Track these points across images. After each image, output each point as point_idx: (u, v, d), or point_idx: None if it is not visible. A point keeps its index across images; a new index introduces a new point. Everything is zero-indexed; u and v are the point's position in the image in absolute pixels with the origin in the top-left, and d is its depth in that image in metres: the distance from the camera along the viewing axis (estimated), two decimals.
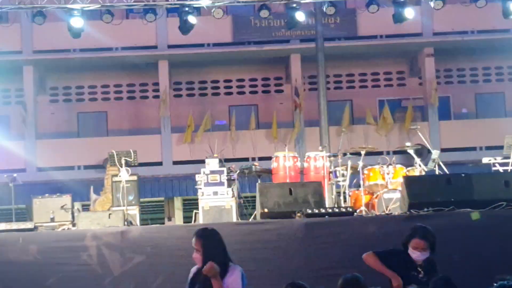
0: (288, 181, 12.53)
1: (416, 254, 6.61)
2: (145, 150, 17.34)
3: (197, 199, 12.50)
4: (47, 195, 12.11)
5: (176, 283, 8.67)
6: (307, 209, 10.43)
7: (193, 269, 6.08)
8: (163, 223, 19.80)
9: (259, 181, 12.38)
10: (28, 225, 10.11)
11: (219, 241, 5.99)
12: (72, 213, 11.67)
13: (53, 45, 20.43)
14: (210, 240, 5.95)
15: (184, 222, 19.37)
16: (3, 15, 14.07)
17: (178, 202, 21.13)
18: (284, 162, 12.95)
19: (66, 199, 11.86)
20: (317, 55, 18.71)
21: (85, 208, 16.51)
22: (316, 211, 10.48)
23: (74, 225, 11.31)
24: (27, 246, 9.19)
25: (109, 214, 11.06)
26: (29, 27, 19.92)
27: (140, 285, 9.70)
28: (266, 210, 10.62)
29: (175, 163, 21.24)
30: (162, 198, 21.16)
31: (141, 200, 13.06)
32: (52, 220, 11.51)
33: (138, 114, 22.22)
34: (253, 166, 13.41)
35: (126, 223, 10.92)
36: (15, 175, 12.57)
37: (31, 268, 9.33)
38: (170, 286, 9.22)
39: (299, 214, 10.49)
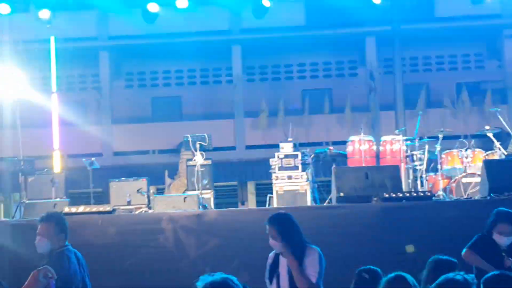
0: (363, 165, 12.36)
1: (502, 239, 6.47)
2: (218, 134, 17.38)
3: (270, 184, 12.46)
4: (123, 178, 12.30)
5: (251, 267, 8.63)
6: (384, 193, 10.23)
7: (271, 255, 6.05)
8: (237, 208, 19.86)
9: (334, 165, 12.23)
10: (107, 207, 10.25)
11: (293, 224, 5.94)
12: (148, 197, 11.82)
13: (128, 30, 20.65)
14: (284, 224, 5.90)
15: (257, 207, 19.37)
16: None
17: (251, 187, 21.15)
18: (360, 146, 12.78)
19: (142, 182, 12.02)
20: (393, 38, 18.37)
21: (160, 191, 16.68)
22: (393, 195, 10.26)
23: (150, 208, 11.44)
24: (106, 228, 9.31)
25: (184, 197, 11.12)
26: (104, 13, 20.21)
27: (216, 268, 9.63)
28: (342, 194, 10.47)
29: (248, 147, 21.25)
30: (235, 183, 21.20)
31: (215, 184, 13.10)
32: (129, 203, 11.69)
33: (211, 99, 22.29)
34: (328, 150, 13.28)
35: (201, 207, 10.97)
36: (93, 159, 12.77)
37: (110, 250, 9.45)
38: (245, 270, 9.18)
39: (375, 199, 10.31)
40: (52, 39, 16.22)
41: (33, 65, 19.46)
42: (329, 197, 11.81)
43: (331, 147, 14.06)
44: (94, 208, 10.28)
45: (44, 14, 14.72)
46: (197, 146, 12.36)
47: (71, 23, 18.64)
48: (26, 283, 3.68)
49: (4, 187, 17.64)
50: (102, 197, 14.19)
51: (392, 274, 4.14)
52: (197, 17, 19.60)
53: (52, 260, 6.17)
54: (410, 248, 9.55)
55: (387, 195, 10.20)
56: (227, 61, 21.88)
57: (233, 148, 21.19)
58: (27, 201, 12.20)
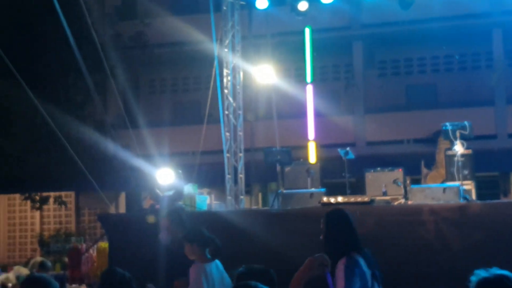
0: None
1: None
2: (477, 122, 16.44)
3: None
4: (379, 169, 12.04)
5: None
6: None
7: None
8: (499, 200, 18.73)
9: None
10: (365, 198, 10.04)
11: None
12: (405, 187, 11.45)
13: (382, 18, 20.29)
14: None
15: None
16: None
17: None
18: None
19: (398, 173, 11.70)
20: None
21: (416, 182, 16.18)
22: None
23: (406, 199, 11.06)
24: (364, 219, 9.08)
25: (444, 189, 10.62)
26: (358, 2, 20.05)
27: (479, 263, 9.07)
28: None
29: (511, 136, 19.96)
30: (496, 173, 20.02)
31: (476, 175, 12.35)
32: (384, 194, 11.41)
33: (469, 85, 21.23)
34: None
35: (462, 198, 10.38)
36: (348, 149, 12.64)
37: (368, 241, 9.20)
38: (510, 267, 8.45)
39: None
40: (307, 30, 16.38)
41: (288, 57, 19.89)
42: None
43: None
44: (352, 199, 10.11)
45: (303, 6, 14.95)
46: (457, 134, 11.73)
47: (325, 13, 18.71)
48: (301, 268, 3.57)
49: (261, 177, 18.21)
50: (356, 188, 14.04)
51: None
52: (454, 1, 18.76)
53: (174, 249, 6.96)
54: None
55: None
56: (487, 45, 20.68)
57: (494, 136, 19.99)
58: (284, 191, 12.40)
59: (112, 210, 21.65)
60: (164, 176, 10.96)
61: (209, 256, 6.74)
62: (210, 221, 10.48)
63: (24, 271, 14.75)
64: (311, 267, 3.56)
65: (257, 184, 20.91)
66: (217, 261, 6.91)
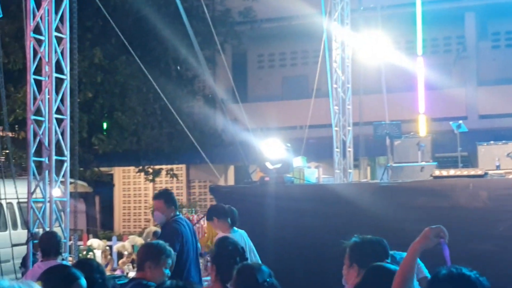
0: None
1: None
2: None
3: None
4: (491, 142, 11.76)
5: None
6: None
7: None
8: None
9: None
10: (479, 171, 9.82)
11: None
12: None
13: None
14: None
15: None
16: None
17: None
18: None
19: (511, 146, 11.40)
20: None
21: None
22: None
23: None
24: (477, 192, 8.92)
25: None
26: None
27: None
28: None
29: None
30: None
31: None
32: (498, 167, 11.14)
33: None
34: None
35: None
36: (460, 122, 12.39)
37: (480, 214, 9.05)
38: None
39: None
40: (418, 2, 16.07)
41: (397, 30, 19.57)
42: None
43: None
44: (465, 172, 9.92)
45: None
46: None
47: None
48: (418, 238, 3.55)
49: (369, 151, 18.08)
50: (468, 161, 13.75)
51: None
52: None
53: (166, 228, 7.50)
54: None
55: None
56: None
57: None
58: (393, 164, 12.30)
59: (221, 182, 22.09)
60: (273, 149, 11.09)
61: (230, 223, 7.95)
62: (319, 193, 10.58)
63: (139, 240, 15.33)
64: (428, 238, 3.54)
65: (365, 158, 20.78)
66: (242, 232, 8.19)
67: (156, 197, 7.95)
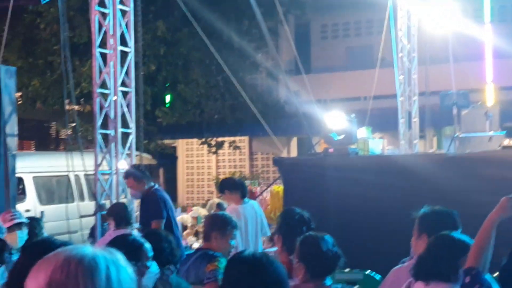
0: None
1: None
2: None
3: None
4: None
5: None
6: None
7: None
8: None
9: None
10: None
11: None
12: None
13: None
14: None
15: None
16: None
17: None
18: None
19: None
20: None
21: None
22: None
23: None
24: None
25: None
26: None
27: None
28: None
29: None
30: None
31: None
32: None
33: None
34: None
35: None
36: None
37: None
38: None
39: None
40: None
41: None
42: None
43: None
44: None
45: None
46: None
47: None
48: (495, 209, 3.46)
49: (435, 121, 17.75)
50: None
51: None
52: None
53: (147, 199, 7.92)
54: None
55: None
56: None
57: None
58: (461, 135, 12.03)
59: (284, 154, 22.06)
60: (336, 121, 10.97)
61: (241, 195, 8.04)
62: (384, 165, 10.44)
63: (203, 212, 15.47)
64: (505, 208, 3.43)
65: (431, 129, 20.43)
66: (254, 202, 8.46)
67: (125, 177, 8.46)
